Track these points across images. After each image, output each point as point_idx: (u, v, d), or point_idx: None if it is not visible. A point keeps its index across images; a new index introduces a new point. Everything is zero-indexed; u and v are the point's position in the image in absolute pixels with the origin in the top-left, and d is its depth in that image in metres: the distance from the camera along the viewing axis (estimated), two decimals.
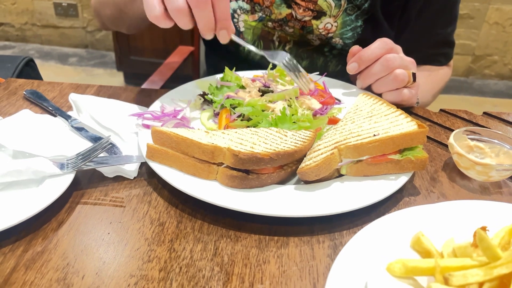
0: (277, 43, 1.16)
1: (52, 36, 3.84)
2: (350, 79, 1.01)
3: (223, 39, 0.79)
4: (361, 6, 1.05)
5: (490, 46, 3.46)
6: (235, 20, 1.15)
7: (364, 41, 1.09)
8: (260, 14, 1.10)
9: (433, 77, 1.17)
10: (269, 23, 1.11)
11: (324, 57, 1.16)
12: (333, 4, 1.05)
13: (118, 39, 3.11)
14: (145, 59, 3.14)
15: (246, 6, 1.11)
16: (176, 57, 1.90)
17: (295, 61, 0.87)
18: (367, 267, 0.51)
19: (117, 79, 3.42)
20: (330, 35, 1.09)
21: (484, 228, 0.53)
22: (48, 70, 3.52)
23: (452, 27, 1.16)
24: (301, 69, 0.87)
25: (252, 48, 0.85)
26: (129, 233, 0.62)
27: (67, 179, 0.66)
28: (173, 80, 1.66)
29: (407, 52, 1.17)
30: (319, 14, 1.07)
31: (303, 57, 1.16)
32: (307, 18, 1.07)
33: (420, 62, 1.16)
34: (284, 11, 1.08)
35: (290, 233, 0.62)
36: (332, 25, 1.07)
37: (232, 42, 1.09)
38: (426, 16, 1.11)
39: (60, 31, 3.81)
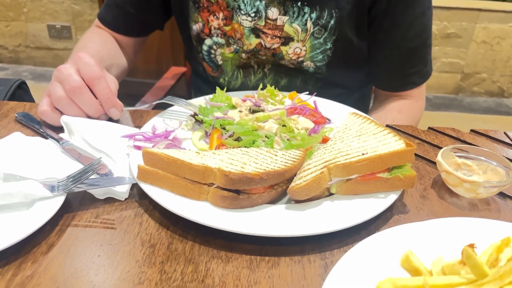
0: (256, 67, 1.18)
1: (45, 58, 3.86)
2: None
3: (115, 116, 0.86)
4: (327, 25, 1.05)
5: (478, 64, 3.53)
6: (212, 55, 1.18)
7: (335, 63, 1.12)
8: (234, 46, 1.13)
9: (407, 117, 1.14)
10: (243, 54, 1.14)
11: (303, 75, 1.17)
12: (299, 29, 1.06)
13: None
14: (138, 79, 3.15)
15: (221, 40, 1.14)
16: (169, 78, 1.91)
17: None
18: (358, 287, 0.52)
19: None
20: (300, 59, 1.11)
21: (472, 246, 0.53)
22: (41, 91, 3.51)
23: (423, 40, 1.11)
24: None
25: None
26: (120, 255, 0.61)
27: (58, 201, 0.66)
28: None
29: (384, 74, 1.17)
30: (287, 40, 1.09)
31: (282, 76, 1.18)
32: (275, 46, 1.09)
33: (396, 87, 1.17)
34: (254, 41, 1.10)
35: (281, 253, 0.63)
36: (301, 50, 1.09)
37: (213, 73, 1.13)
38: (392, 26, 1.08)
39: (53, 53, 3.83)
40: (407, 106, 1.16)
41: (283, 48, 1.10)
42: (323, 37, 1.07)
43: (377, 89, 1.24)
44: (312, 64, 1.11)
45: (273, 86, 0.95)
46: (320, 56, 1.10)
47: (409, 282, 0.48)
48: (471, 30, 3.40)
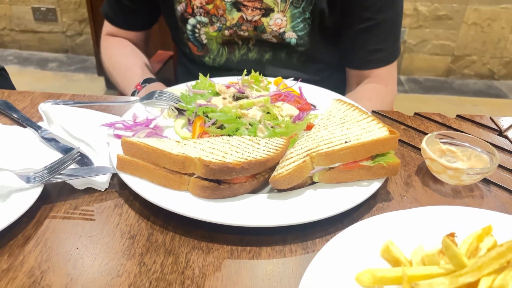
0: (240, 43, 1.18)
1: (31, 41, 3.78)
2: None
3: None
4: None
5: (469, 47, 3.51)
6: (197, 34, 1.18)
7: (315, 34, 1.12)
8: (218, 24, 1.14)
9: (376, 104, 1.10)
10: (226, 31, 1.15)
11: (287, 50, 1.16)
12: (278, 0, 1.07)
13: (99, 43, 3.07)
14: None
15: (204, 19, 1.15)
16: (156, 62, 1.88)
17: (168, 93, 0.89)
18: (337, 278, 0.51)
19: (98, 84, 3.37)
20: (282, 29, 1.11)
21: (452, 235, 0.53)
22: (27, 76, 3.46)
23: (391, 15, 1.09)
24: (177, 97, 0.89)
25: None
26: (99, 247, 0.60)
27: (35, 193, 0.64)
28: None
29: (349, 48, 1.17)
30: (267, 11, 1.10)
31: (266, 50, 1.18)
32: (256, 17, 1.10)
33: (359, 63, 1.15)
34: (236, 15, 1.11)
35: (262, 243, 0.62)
36: (282, 20, 1.10)
37: (199, 52, 1.11)
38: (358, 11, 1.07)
39: (39, 36, 3.74)
40: (376, 92, 1.14)
41: (264, 20, 1.10)
42: (302, 6, 1.07)
43: (348, 72, 1.22)
44: (294, 34, 1.11)
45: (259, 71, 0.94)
46: (301, 25, 1.10)
47: (388, 273, 0.48)
48: (462, 12, 3.37)
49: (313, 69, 1.13)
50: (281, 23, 1.10)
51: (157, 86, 1.11)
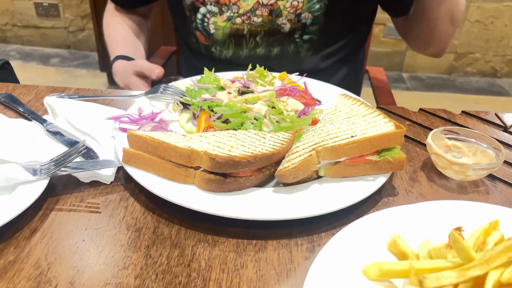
0: (248, 37, 1.18)
1: (33, 37, 3.78)
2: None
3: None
4: None
5: (472, 44, 3.50)
6: (206, 23, 1.18)
7: (333, 13, 1.13)
8: (228, 14, 1.14)
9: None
10: (237, 19, 1.15)
11: (295, 44, 1.18)
12: None
13: (101, 39, 3.05)
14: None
15: (214, 8, 1.15)
16: (159, 57, 1.88)
17: (173, 87, 0.89)
18: (344, 271, 0.51)
19: (100, 80, 3.37)
20: (298, 11, 1.12)
21: (459, 229, 0.53)
22: (29, 71, 3.46)
23: None
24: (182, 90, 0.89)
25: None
26: (105, 239, 0.60)
27: (41, 185, 0.64)
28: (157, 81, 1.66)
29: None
30: None
31: (274, 45, 1.18)
32: (273, 0, 1.10)
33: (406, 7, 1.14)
34: (251, 1, 1.11)
35: (268, 237, 0.62)
36: (298, 2, 1.10)
37: (206, 41, 1.11)
38: None
39: (41, 32, 3.74)
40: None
41: (280, 3, 1.11)
42: None
43: (397, 24, 1.22)
44: (309, 15, 1.12)
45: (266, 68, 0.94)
46: (318, 5, 1.11)
47: (395, 266, 0.48)
48: (466, 9, 3.36)
49: (321, 60, 1.13)
50: (298, 4, 1.11)
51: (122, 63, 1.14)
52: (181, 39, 1.38)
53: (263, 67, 0.94)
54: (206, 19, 1.17)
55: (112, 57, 1.19)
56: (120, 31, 1.29)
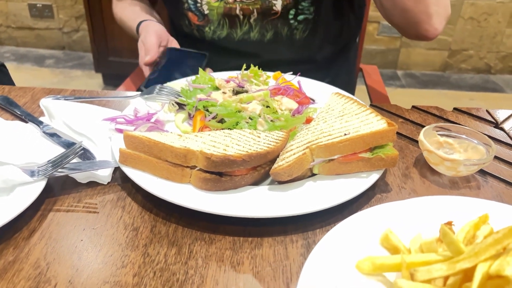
0: (241, 17, 1.18)
1: (27, 38, 3.77)
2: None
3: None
4: None
5: (465, 41, 3.53)
6: (199, 4, 1.20)
7: None
8: None
9: None
10: None
11: (288, 27, 1.18)
12: None
13: (96, 40, 3.07)
14: (123, 59, 3.10)
15: None
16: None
17: (168, 87, 0.91)
18: (338, 266, 0.52)
19: (95, 80, 3.37)
20: None
21: (449, 223, 0.54)
22: (24, 72, 3.45)
23: None
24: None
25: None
26: (103, 239, 0.61)
27: (38, 186, 0.65)
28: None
29: None
30: None
31: (267, 28, 1.19)
32: None
33: None
34: None
35: (264, 234, 0.63)
36: None
37: (199, 21, 1.19)
38: None
39: (35, 33, 3.74)
40: None
41: None
42: None
43: None
44: None
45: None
46: None
47: (387, 261, 0.49)
48: (459, 6, 3.38)
49: (315, 45, 1.15)
50: None
51: (149, 24, 1.21)
52: (176, 28, 1.37)
53: (257, 66, 0.95)
54: (199, 0, 1.18)
55: (135, 25, 1.24)
56: (135, 8, 1.34)
